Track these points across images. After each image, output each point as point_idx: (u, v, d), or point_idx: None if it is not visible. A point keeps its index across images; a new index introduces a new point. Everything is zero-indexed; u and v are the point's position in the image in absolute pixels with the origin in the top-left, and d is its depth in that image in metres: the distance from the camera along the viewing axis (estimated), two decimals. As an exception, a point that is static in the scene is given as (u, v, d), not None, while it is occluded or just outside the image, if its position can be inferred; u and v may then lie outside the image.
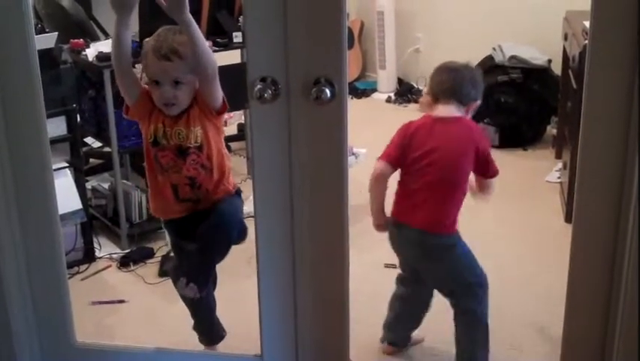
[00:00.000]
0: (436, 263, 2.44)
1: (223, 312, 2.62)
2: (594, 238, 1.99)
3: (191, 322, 2.60)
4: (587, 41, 1.89)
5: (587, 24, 2.52)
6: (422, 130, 2.39)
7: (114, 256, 3.41)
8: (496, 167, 2.43)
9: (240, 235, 2.32)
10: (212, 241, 2.37)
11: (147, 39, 2.28)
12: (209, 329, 2.62)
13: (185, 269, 2.45)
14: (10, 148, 2.17)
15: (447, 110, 2.39)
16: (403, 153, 2.38)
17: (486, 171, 2.41)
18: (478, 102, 2.45)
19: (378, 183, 2.42)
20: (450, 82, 2.40)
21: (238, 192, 2.44)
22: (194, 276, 2.40)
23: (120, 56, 2.21)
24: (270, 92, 1.92)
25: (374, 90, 6.02)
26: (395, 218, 2.45)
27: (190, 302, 2.52)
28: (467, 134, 2.39)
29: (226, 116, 2.83)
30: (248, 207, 2.36)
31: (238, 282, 2.81)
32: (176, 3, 2.08)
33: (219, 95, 2.27)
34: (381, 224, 2.47)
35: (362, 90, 6.00)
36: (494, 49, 4.70)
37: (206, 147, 2.30)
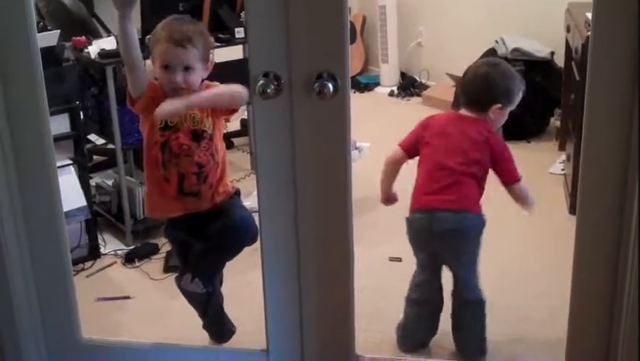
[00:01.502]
0: (464, 244, 2.46)
1: (228, 306, 2.62)
2: (598, 229, 1.99)
3: (198, 318, 2.60)
4: (589, 33, 1.89)
5: (589, 15, 2.51)
6: (440, 120, 2.52)
7: (119, 252, 3.41)
8: (516, 174, 2.45)
9: (254, 238, 2.34)
10: (227, 242, 2.41)
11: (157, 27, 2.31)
12: (219, 326, 2.62)
13: (191, 265, 2.45)
14: (14, 146, 2.17)
15: (467, 112, 2.48)
16: (417, 141, 2.49)
17: (502, 174, 2.45)
18: (498, 105, 2.44)
19: (388, 166, 2.54)
20: (466, 91, 2.49)
21: (237, 193, 2.47)
22: (201, 272, 2.41)
23: (129, 49, 2.23)
24: (272, 87, 1.91)
25: (377, 84, 6.01)
26: (428, 206, 2.45)
27: (198, 301, 2.52)
28: (481, 132, 2.43)
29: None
30: (252, 202, 2.37)
31: (242, 275, 2.81)
32: None
33: None
34: (388, 198, 2.57)
35: (365, 84, 5.99)
36: (497, 41, 4.69)
37: (214, 137, 2.35)
